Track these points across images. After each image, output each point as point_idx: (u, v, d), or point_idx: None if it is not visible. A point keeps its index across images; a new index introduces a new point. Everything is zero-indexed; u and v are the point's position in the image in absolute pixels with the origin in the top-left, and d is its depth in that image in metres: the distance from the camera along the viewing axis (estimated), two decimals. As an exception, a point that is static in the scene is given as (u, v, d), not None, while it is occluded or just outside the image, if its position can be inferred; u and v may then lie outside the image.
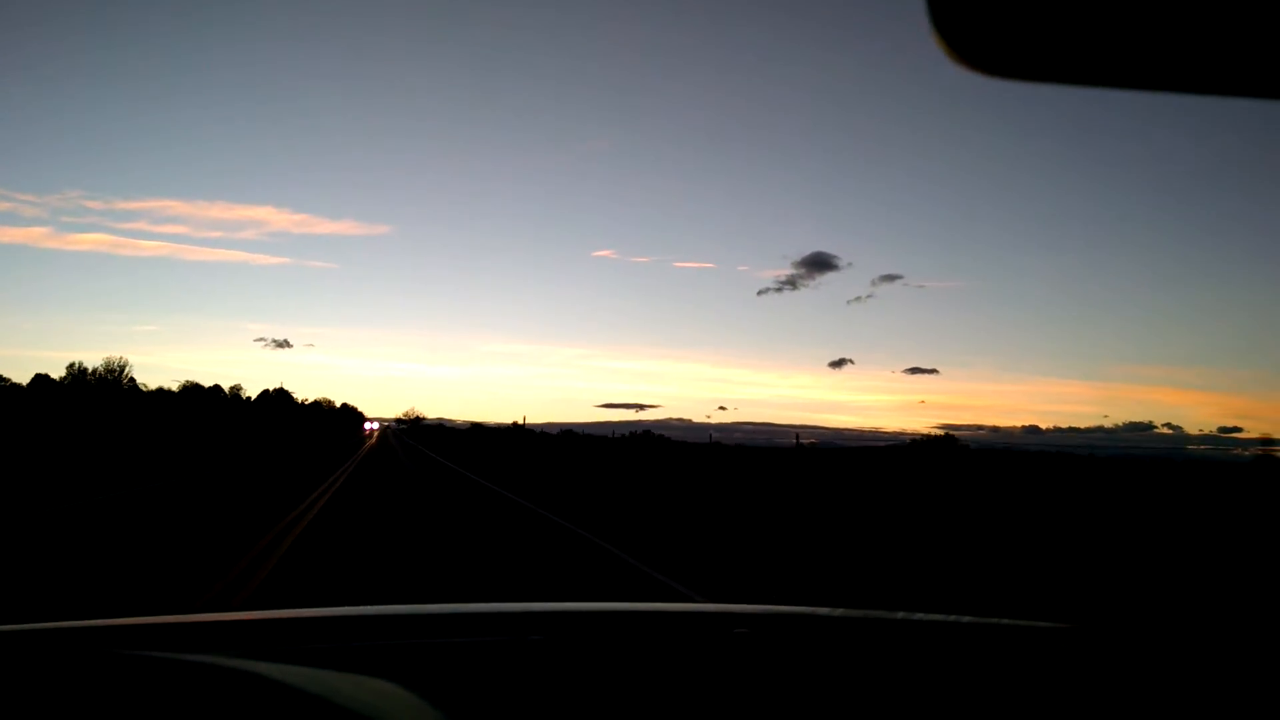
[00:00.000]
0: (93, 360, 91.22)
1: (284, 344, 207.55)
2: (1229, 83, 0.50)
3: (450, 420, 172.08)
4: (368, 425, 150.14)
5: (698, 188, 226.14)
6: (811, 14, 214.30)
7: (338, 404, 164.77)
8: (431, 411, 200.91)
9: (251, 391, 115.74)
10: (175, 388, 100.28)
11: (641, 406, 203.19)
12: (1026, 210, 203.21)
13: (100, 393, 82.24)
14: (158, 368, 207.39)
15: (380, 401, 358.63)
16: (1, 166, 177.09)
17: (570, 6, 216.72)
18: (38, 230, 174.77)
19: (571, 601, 1.75)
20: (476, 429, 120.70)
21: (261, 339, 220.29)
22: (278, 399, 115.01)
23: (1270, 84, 0.49)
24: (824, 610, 1.73)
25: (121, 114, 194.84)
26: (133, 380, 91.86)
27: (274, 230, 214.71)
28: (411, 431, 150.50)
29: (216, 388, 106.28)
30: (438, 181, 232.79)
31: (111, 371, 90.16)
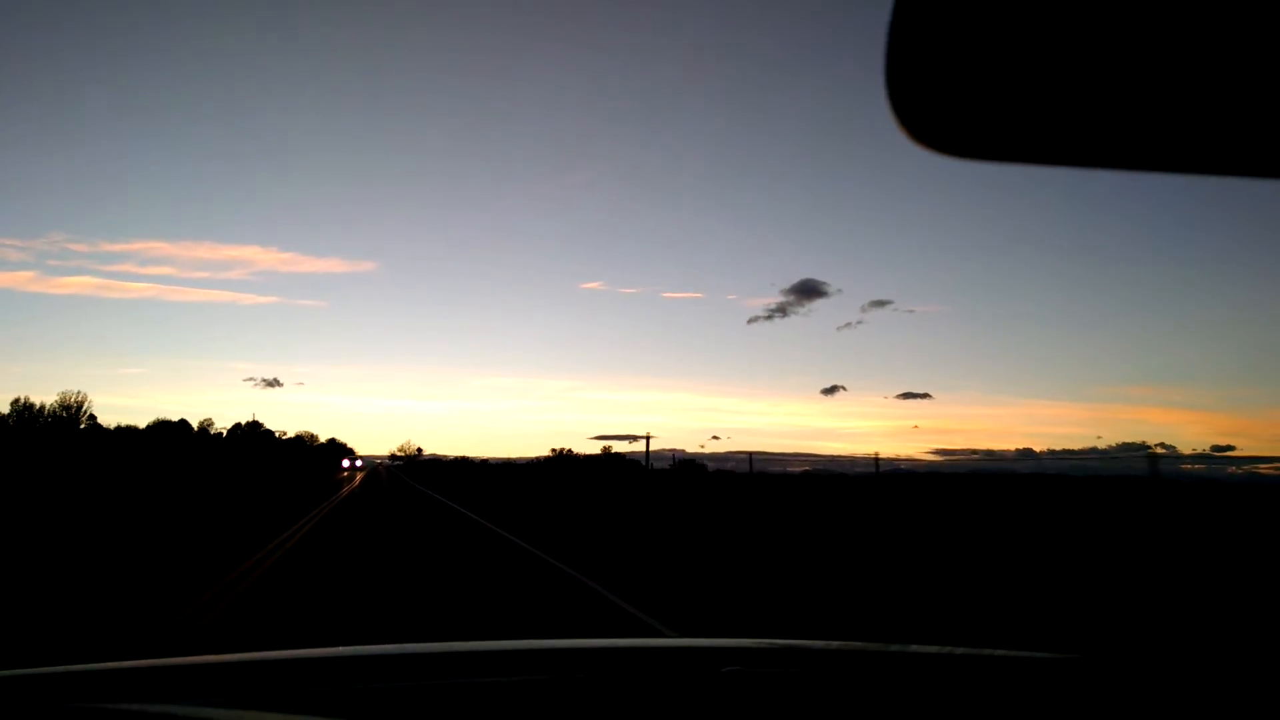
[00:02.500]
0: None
1: (274, 383, 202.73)
2: (1189, 161, 0.51)
3: (444, 455, 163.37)
4: (346, 463, 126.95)
5: (685, 218, 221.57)
6: (795, 42, 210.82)
7: (323, 439, 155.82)
8: (425, 447, 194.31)
9: (228, 428, 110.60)
10: (142, 425, 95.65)
11: (635, 437, 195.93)
12: (1013, 233, 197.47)
13: (51, 431, 77.29)
14: (147, 410, 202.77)
15: (372, 437, 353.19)
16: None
17: (554, 39, 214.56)
18: (23, 274, 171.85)
19: (560, 639, 1.67)
20: (564, 459, 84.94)
21: (251, 378, 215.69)
22: (250, 434, 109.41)
23: (1210, 162, 0.50)
24: (818, 644, 1.61)
25: (106, 156, 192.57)
26: (92, 417, 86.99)
27: (261, 269, 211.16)
28: (409, 468, 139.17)
29: (184, 423, 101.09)
30: (423, 217, 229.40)
31: (67, 408, 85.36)
